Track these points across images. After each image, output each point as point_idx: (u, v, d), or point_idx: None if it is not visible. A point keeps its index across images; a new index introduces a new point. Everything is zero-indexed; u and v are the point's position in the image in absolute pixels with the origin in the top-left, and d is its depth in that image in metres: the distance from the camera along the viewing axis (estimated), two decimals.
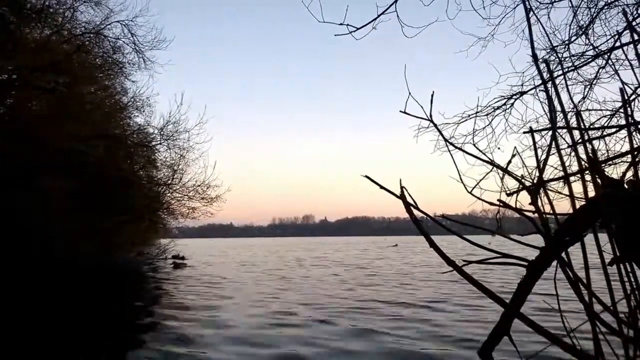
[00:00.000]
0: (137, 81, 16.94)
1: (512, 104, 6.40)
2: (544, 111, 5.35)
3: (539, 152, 5.01)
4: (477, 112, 6.49)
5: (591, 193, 4.25)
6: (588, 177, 4.30)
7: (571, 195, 4.40)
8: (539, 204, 4.53)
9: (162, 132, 14.35)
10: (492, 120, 6.56)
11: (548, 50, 5.63)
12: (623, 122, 4.91)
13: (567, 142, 4.79)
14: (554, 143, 4.48)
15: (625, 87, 4.29)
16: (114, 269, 15.80)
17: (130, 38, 13.32)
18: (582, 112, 4.97)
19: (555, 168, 5.19)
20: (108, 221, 13.92)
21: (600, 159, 4.45)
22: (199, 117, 15.43)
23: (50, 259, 10.97)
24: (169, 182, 15.86)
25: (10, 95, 11.80)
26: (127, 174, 14.68)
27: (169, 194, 16.69)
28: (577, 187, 4.41)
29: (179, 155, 15.64)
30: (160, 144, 14.81)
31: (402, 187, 5.76)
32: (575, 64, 5.69)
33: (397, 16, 4.56)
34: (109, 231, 14.19)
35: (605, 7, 5.43)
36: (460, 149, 5.35)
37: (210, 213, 17.68)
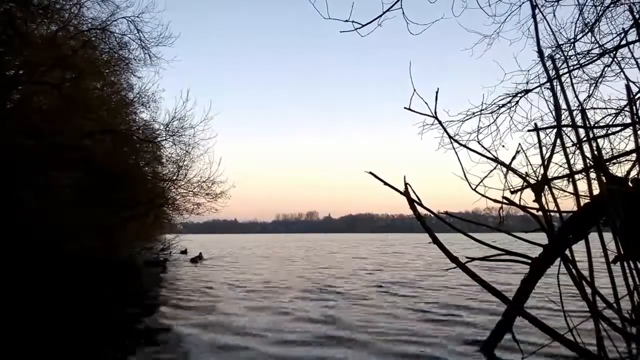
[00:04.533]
0: (143, 77, 16.93)
1: (517, 102, 6.40)
2: (549, 109, 5.34)
3: (544, 150, 5.00)
4: (481, 110, 6.49)
5: (596, 191, 4.26)
6: (593, 175, 4.30)
7: (576, 193, 4.42)
8: (543, 201, 4.54)
9: (167, 128, 14.38)
10: (496, 118, 6.56)
11: (554, 48, 5.63)
12: (628, 120, 4.91)
13: (572, 140, 4.81)
14: (559, 141, 4.50)
15: (631, 85, 4.30)
16: (120, 265, 15.86)
17: (137, 34, 13.30)
18: (587, 111, 4.96)
19: (560, 166, 5.21)
20: (113, 216, 14.00)
21: (605, 157, 4.46)
22: (204, 114, 15.45)
23: (55, 254, 11.05)
24: (174, 178, 15.90)
25: (17, 91, 11.87)
26: (132, 170, 14.74)
27: (174, 190, 16.75)
28: (582, 185, 4.43)
29: (184, 151, 15.67)
30: (165, 140, 14.84)
31: (406, 184, 5.70)
32: (581, 62, 5.68)
33: (403, 13, 4.57)
34: (114, 226, 14.27)
35: (612, 5, 5.41)
36: (464, 146, 5.36)
37: (215, 209, 17.75)
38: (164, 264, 20.65)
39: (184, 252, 28.48)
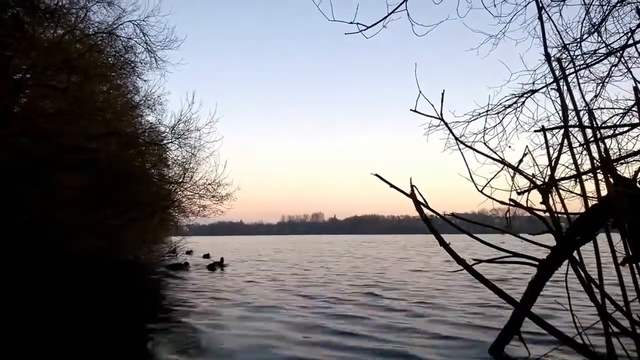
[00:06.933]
0: (149, 80, 16.95)
1: (523, 102, 6.34)
2: (556, 110, 5.29)
3: (551, 150, 4.96)
4: (487, 111, 6.44)
5: (603, 192, 4.21)
6: (600, 176, 4.26)
7: (583, 194, 4.38)
8: (551, 202, 4.50)
9: (173, 131, 14.40)
10: (503, 118, 6.50)
11: (560, 48, 5.58)
12: (636, 120, 4.86)
13: (579, 141, 4.78)
14: (565, 141, 4.47)
15: (638, 85, 4.25)
16: (125, 267, 15.92)
17: (142, 38, 13.34)
18: (594, 111, 4.91)
19: (567, 167, 5.17)
20: (119, 218, 14.05)
21: (613, 158, 4.41)
22: (209, 116, 15.45)
23: (60, 255, 11.10)
24: (180, 180, 15.92)
25: (24, 94, 11.95)
26: (138, 172, 14.79)
27: (180, 192, 16.76)
28: (589, 186, 4.38)
29: (190, 154, 15.70)
30: (171, 142, 14.86)
31: (412, 186, 5.68)
32: (587, 62, 5.63)
33: (408, 14, 4.55)
34: (120, 228, 14.32)
35: (618, 4, 5.36)
36: (470, 147, 5.32)
37: (221, 211, 17.75)
38: (182, 267, 20.76)
39: (207, 256, 28.37)
